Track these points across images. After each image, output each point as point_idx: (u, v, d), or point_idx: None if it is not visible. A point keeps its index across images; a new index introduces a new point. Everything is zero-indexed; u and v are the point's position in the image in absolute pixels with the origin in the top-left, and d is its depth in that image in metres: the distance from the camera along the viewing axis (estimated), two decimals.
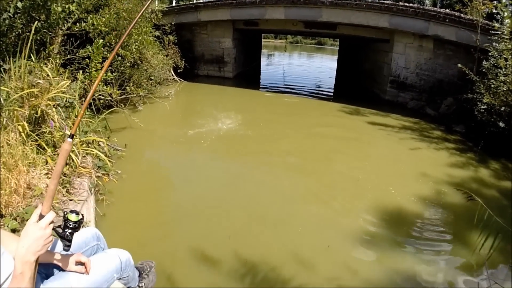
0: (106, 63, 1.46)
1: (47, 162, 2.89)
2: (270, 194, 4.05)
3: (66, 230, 1.28)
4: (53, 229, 1.22)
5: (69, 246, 1.32)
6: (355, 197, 4.11)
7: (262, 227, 3.31)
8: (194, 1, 12.77)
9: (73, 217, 1.29)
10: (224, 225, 3.30)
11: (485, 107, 6.03)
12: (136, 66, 6.95)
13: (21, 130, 2.79)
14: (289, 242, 3.08)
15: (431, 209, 3.85)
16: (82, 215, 1.35)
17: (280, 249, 2.95)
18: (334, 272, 2.71)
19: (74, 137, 1.40)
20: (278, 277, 2.59)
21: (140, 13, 1.63)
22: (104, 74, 4.65)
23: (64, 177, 3.01)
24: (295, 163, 5.11)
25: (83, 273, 1.51)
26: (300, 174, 4.74)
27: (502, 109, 5.79)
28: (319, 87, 13.43)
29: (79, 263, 1.53)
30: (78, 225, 1.31)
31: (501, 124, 5.68)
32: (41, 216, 1.18)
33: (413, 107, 9.17)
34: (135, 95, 6.51)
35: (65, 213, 1.31)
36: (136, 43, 6.34)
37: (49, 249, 1.40)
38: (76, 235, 1.34)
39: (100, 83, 4.84)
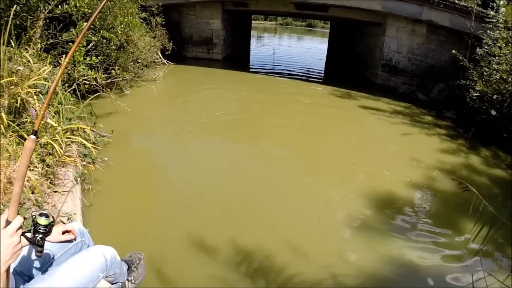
0: (74, 45, 1.35)
1: None
2: (262, 178, 4.03)
3: (36, 235, 1.20)
4: (22, 234, 1.15)
5: (41, 252, 1.24)
6: (348, 182, 4.12)
7: (256, 213, 3.30)
8: None
9: (42, 221, 1.22)
10: (217, 212, 3.26)
11: (477, 94, 6.05)
12: (122, 49, 6.71)
13: None
14: (282, 229, 3.08)
15: (423, 196, 3.88)
16: (53, 217, 1.28)
17: (274, 237, 2.95)
18: (327, 260, 2.72)
19: (38, 133, 1.31)
20: (273, 266, 2.59)
21: None
22: (72, 58, 4.44)
23: (47, 168, 2.91)
24: (286, 147, 5.08)
25: (71, 240, 1.53)
26: (291, 158, 4.72)
27: (494, 97, 5.81)
28: (310, 69, 13.28)
29: (65, 232, 1.54)
30: (49, 228, 1.24)
31: (493, 112, 5.71)
32: (7, 222, 1.09)
33: (404, 92, 9.18)
34: (121, 79, 6.31)
35: (34, 216, 1.23)
36: (122, 25, 6.11)
37: (22, 256, 1.35)
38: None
39: (84, 67, 4.67)
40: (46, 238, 1.30)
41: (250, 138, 5.32)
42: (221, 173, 4.12)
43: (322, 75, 12.54)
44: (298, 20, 45.44)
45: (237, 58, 13.90)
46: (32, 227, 1.21)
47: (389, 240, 3.05)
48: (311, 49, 21.75)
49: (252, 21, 20.31)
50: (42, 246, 1.23)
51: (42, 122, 3.10)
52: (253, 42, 21.18)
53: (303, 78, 11.21)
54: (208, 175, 4.02)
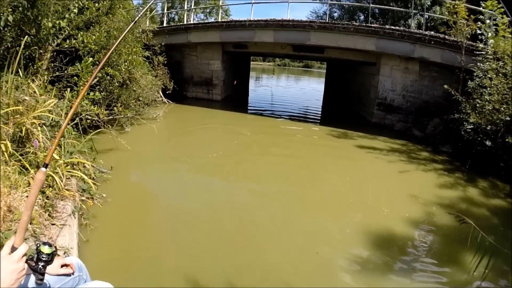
0: (90, 80, 1.43)
1: (29, 184, 2.72)
2: (259, 215, 3.97)
3: (39, 263, 1.21)
4: (26, 261, 1.17)
5: (42, 279, 1.24)
6: (346, 219, 4.05)
7: (252, 250, 3.22)
8: (185, 22, 12.89)
9: (46, 249, 1.23)
10: (212, 249, 3.18)
11: (472, 126, 6.14)
12: (124, 86, 6.86)
13: (3, 149, 2.63)
14: (277, 268, 2.98)
15: (422, 231, 3.80)
16: (55, 247, 1.29)
17: (271, 274, 2.86)
18: None
19: (49, 166, 1.34)
20: None
21: (128, 29, 1.57)
22: (86, 93, 4.54)
23: (46, 200, 2.86)
24: (284, 185, 5.04)
25: (69, 274, 1.49)
26: (289, 196, 4.67)
27: (488, 128, 5.91)
28: (307, 110, 13.56)
29: (64, 265, 1.49)
30: (51, 257, 1.25)
31: (488, 143, 5.78)
32: (13, 248, 1.13)
33: (400, 129, 9.29)
34: (122, 116, 6.38)
35: (38, 245, 1.24)
36: (126, 63, 6.27)
37: (21, 283, 1.31)
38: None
39: (87, 102, 4.72)
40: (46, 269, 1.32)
41: (247, 177, 5.29)
42: (218, 210, 4.06)
43: (319, 115, 12.78)
44: (296, 61, 47.03)
45: (236, 99, 14.21)
46: (35, 255, 1.22)
47: (389, 279, 2.94)
48: (308, 89, 22.31)
49: (251, 62, 20.91)
50: (43, 274, 1.23)
51: (45, 154, 3.08)
52: (252, 83, 21.69)
53: (301, 118, 11.42)
54: (205, 213, 3.96)
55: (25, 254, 1.15)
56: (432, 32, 9.12)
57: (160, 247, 3.18)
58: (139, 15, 1.93)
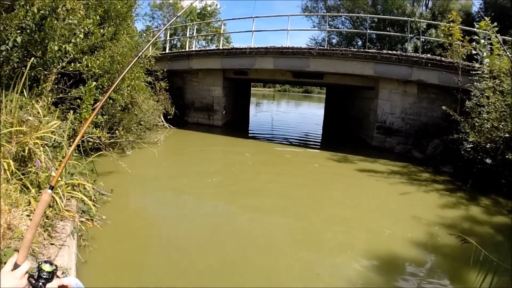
0: (98, 105, 1.49)
1: (30, 203, 2.73)
2: (260, 239, 3.93)
3: (39, 280, 1.23)
4: (27, 278, 1.20)
5: None
6: (348, 241, 4.00)
7: (252, 275, 3.17)
8: (187, 49, 13.16)
9: (47, 267, 1.25)
10: (212, 271, 3.16)
11: (471, 145, 6.16)
12: (126, 110, 6.96)
13: (6, 167, 2.66)
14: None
15: (425, 252, 3.76)
16: (56, 266, 1.30)
17: None
18: None
19: (55, 186, 1.38)
20: None
21: (136, 58, 1.63)
22: (95, 117, 4.61)
23: (46, 220, 2.86)
24: (286, 208, 5.02)
25: None
26: (291, 219, 4.65)
27: (487, 146, 5.94)
28: (307, 135, 13.63)
29: (62, 286, 1.46)
30: (52, 275, 1.27)
31: (488, 161, 5.79)
32: (15, 265, 1.17)
33: (400, 151, 9.29)
34: (124, 139, 6.43)
35: (40, 263, 1.26)
36: (128, 88, 6.39)
37: None
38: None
39: (89, 125, 4.77)
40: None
41: (246, 202, 5.24)
42: (217, 234, 4.03)
43: (319, 140, 12.81)
44: (296, 86, 47.64)
45: (237, 124, 14.30)
46: (36, 273, 1.24)
47: None
48: (308, 114, 22.47)
49: (252, 88, 21.20)
50: None
51: (46, 174, 3.09)
52: (252, 108, 21.90)
53: (301, 143, 11.46)
54: (202, 238, 3.93)
55: (27, 272, 1.18)
56: (429, 55, 9.30)
57: (159, 270, 3.15)
58: (143, 51, 2.00)
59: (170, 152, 8.39)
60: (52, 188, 1.31)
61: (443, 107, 7.03)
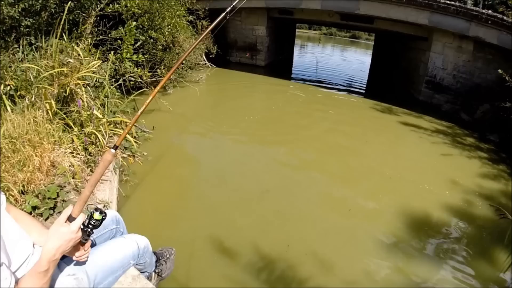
0: (169, 74, 1.51)
1: (72, 141, 2.91)
2: (296, 187, 3.96)
3: (89, 226, 1.34)
4: None
5: (87, 240, 1.37)
6: (382, 195, 3.95)
7: (284, 221, 3.25)
8: None
9: (97, 216, 1.35)
10: (245, 215, 3.26)
11: None
12: (168, 50, 6.94)
13: (48, 108, 2.81)
14: (309, 239, 3.01)
15: (458, 219, 3.62)
16: (105, 213, 1.39)
17: (300, 246, 2.88)
18: (352, 276, 2.63)
19: (118, 148, 1.41)
20: (295, 276, 2.53)
21: None
22: (120, 54, 4.63)
23: (89, 156, 3.04)
24: (322, 153, 5.03)
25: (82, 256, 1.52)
26: (324, 168, 4.62)
27: None
28: (352, 81, 12.99)
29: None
30: (100, 222, 1.37)
31: None
32: (70, 218, 1.24)
33: (447, 110, 8.63)
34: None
35: (92, 212, 1.36)
36: (169, 26, 6.31)
37: None
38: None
39: (131, 64, 4.86)
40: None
41: (285, 145, 5.25)
42: (253, 177, 4.12)
43: (364, 87, 12.22)
44: (343, 30, 44.65)
45: (280, 66, 13.88)
46: (87, 220, 1.34)
47: (418, 263, 2.87)
48: (355, 60, 21.33)
49: (297, 30, 20.23)
50: (90, 235, 1.36)
51: (88, 113, 3.25)
52: (296, 50, 21.11)
53: (345, 89, 10.99)
54: (240, 178, 4.05)
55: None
56: (490, 11, 8.18)
57: (195, 208, 3.32)
58: None
59: (211, 90, 8.42)
60: (116, 148, 1.34)
61: (499, 71, 6.25)
